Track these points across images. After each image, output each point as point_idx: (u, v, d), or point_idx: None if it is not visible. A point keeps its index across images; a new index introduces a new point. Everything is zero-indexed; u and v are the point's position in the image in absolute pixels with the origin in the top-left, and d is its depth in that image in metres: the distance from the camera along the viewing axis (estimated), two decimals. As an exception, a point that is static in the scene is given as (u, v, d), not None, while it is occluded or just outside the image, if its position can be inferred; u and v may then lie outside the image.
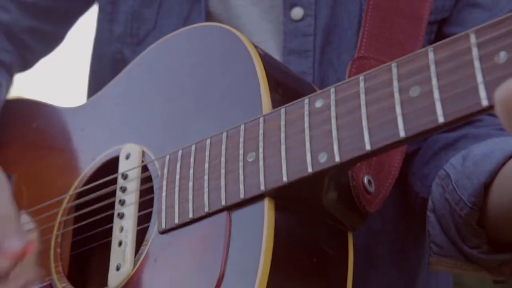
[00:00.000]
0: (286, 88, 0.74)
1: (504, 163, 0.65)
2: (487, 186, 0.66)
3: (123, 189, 0.77)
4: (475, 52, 0.48)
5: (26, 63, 1.11)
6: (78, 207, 0.84)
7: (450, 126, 0.50)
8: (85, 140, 0.90)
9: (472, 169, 0.69)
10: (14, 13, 1.04)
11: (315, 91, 0.77)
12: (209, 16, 0.94)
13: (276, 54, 0.91)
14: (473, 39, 0.49)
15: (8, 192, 0.76)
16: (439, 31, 0.91)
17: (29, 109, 1.04)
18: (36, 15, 1.06)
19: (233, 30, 0.76)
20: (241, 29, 0.92)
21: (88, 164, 0.86)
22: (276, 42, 0.92)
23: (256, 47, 0.74)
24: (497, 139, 0.74)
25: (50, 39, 1.13)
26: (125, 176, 0.78)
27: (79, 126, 0.93)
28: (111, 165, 0.82)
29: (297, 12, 0.90)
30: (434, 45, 0.52)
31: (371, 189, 0.67)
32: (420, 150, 0.87)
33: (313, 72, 0.90)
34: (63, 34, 1.15)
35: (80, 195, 0.84)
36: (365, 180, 0.66)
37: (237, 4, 0.94)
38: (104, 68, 1.03)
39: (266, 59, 0.73)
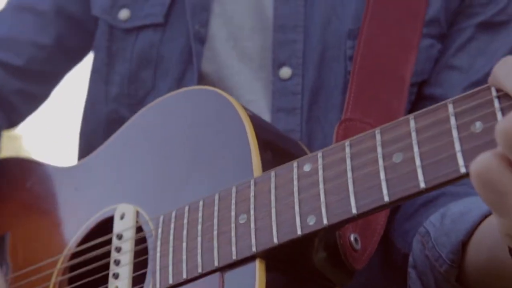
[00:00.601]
0: (275, 148, 0.77)
1: (480, 222, 0.68)
2: (465, 243, 0.69)
3: (118, 249, 0.79)
4: (453, 121, 0.51)
5: (12, 123, 1.13)
6: (73, 268, 0.85)
7: (431, 191, 0.53)
8: (80, 199, 0.92)
9: (450, 227, 0.72)
10: (2, 76, 1.07)
11: (302, 149, 0.80)
12: (201, 77, 0.97)
13: (266, 111, 0.94)
14: (450, 109, 0.52)
15: None
16: (419, 92, 0.95)
17: (23, 168, 1.05)
18: (24, 78, 1.09)
19: (224, 94, 0.79)
20: (233, 88, 0.95)
21: (83, 224, 0.87)
22: (266, 100, 0.95)
23: (245, 109, 0.76)
24: (474, 197, 0.76)
25: (37, 99, 1.16)
26: (119, 237, 0.79)
27: (73, 185, 0.94)
28: (106, 225, 0.84)
29: (285, 72, 0.93)
30: (415, 113, 0.55)
31: (358, 246, 0.69)
32: (402, 206, 0.90)
33: (301, 129, 0.93)
34: (49, 93, 1.17)
35: (75, 255, 0.85)
36: (352, 238, 0.69)
37: (228, 65, 0.97)
38: (98, 129, 1.05)
39: (255, 121, 0.75)
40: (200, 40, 0.96)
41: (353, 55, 0.90)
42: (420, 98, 0.94)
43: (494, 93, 0.49)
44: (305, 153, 0.81)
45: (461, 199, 0.79)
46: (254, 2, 0.97)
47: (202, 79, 0.97)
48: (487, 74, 0.71)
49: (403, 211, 0.90)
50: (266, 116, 0.94)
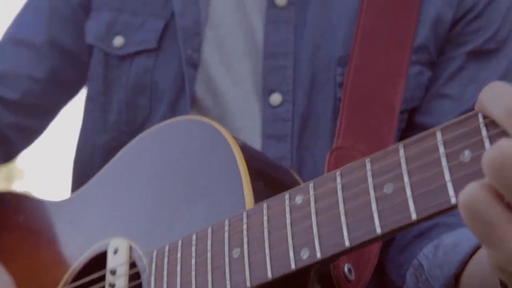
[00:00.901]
0: (266, 177, 0.77)
1: (473, 253, 0.68)
2: (457, 276, 0.69)
3: (112, 285, 0.78)
4: (441, 150, 0.51)
5: (8, 157, 1.13)
6: (67, 305, 0.84)
7: (423, 222, 0.52)
8: (74, 233, 0.91)
9: (443, 259, 0.72)
10: None
11: (293, 177, 0.80)
12: (195, 102, 0.97)
13: (257, 138, 0.94)
14: (439, 137, 0.52)
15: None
16: (410, 120, 0.95)
17: (16, 202, 1.05)
18: (20, 111, 1.08)
19: (214, 124, 0.79)
20: (226, 114, 0.96)
21: (77, 258, 0.87)
22: (257, 127, 0.95)
23: (236, 139, 0.76)
24: (466, 228, 0.76)
25: (33, 133, 1.15)
26: (113, 272, 0.79)
27: (67, 219, 0.94)
28: (100, 260, 0.83)
29: (275, 98, 0.93)
30: (404, 142, 0.55)
31: (352, 277, 0.69)
32: (396, 238, 0.90)
33: (291, 156, 0.93)
34: (45, 126, 1.17)
35: (69, 291, 0.84)
36: (346, 269, 0.68)
37: (221, 90, 0.97)
38: (95, 157, 1.05)
39: (246, 151, 0.75)
40: (192, 65, 0.96)
41: (342, 81, 0.91)
42: (412, 126, 0.94)
43: (481, 120, 0.49)
44: (297, 181, 0.81)
45: (455, 230, 0.78)
46: (245, 27, 0.97)
47: (196, 104, 0.97)
48: None
49: (397, 242, 0.90)
50: (257, 143, 0.93)
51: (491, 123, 0.48)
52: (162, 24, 1.00)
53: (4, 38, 1.12)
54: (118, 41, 1.02)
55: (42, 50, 1.09)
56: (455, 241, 0.73)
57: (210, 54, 0.97)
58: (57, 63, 1.09)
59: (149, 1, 1.02)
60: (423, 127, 0.92)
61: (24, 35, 1.10)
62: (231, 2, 0.99)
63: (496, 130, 0.47)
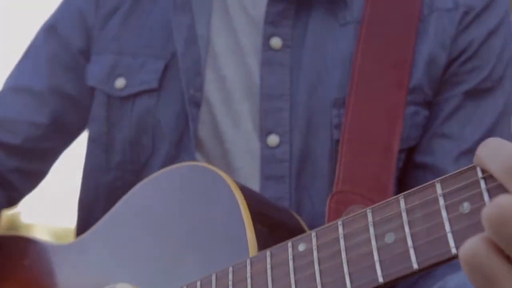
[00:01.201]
0: (268, 220, 0.78)
1: None
2: None
3: (117, 332, 0.78)
4: (441, 202, 0.52)
5: (11, 202, 1.14)
6: None
7: (424, 272, 0.53)
8: (78, 278, 0.92)
9: None
10: (0, 155, 1.08)
11: (294, 217, 0.81)
12: (199, 141, 0.99)
13: (256, 178, 0.95)
14: (439, 189, 0.53)
15: None
16: (409, 159, 0.96)
17: (21, 245, 1.05)
18: (22, 156, 1.10)
19: (215, 170, 0.81)
20: (227, 154, 0.97)
21: (82, 304, 0.87)
22: (255, 167, 0.97)
23: (237, 183, 0.78)
24: None
25: (36, 176, 1.16)
26: (118, 318, 0.79)
27: (71, 264, 0.95)
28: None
29: (273, 139, 0.95)
30: (404, 193, 0.56)
31: None
32: None
33: (290, 197, 0.94)
34: (48, 169, 1.18)
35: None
36: None
37: (222, 130, 0.99)
38: (100, 197, 1.06)
39: (248, 195, 0.77)
40: (195, 104, 0.98)
41: (339, 123, 0.92)
42: (412, 166, 0.95)
43: (479, 174, 0.50)
44: (298, 222, 0.82)
45: (459, 271, 0.79)
46: (243, 69, 0.99)
47: (199, 144, 0.98)
48: (477, 142, 0.73)
49: (401, 283, 0.90)
50: (256, 183, 0.95)
51: (489, 176, 0.49)
52: (163, 65, 1.02)
53: (4, 87, 1.14)
54: (120, 82, 1.04)
55: (42, 96, 1.10)
56: (458, 283, 0.74)
57: (211, 94, 0.99)
58: (58, 108, 1.11)
59: (149, 42, 1.04)
60: (425, 167, 0.94)
61: (24, 83, 1.12)
62: (229, 43, 1.01)
63: (494, 183, 0.48)
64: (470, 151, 0.92)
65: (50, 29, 1.14)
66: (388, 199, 0.58)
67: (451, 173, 0.53)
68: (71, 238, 1.08)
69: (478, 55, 0.96)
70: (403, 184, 0.95)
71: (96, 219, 0.96)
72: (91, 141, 1.09)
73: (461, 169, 0.53)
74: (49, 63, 1.12)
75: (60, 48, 1.11)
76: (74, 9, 1.13)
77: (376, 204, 0.58)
